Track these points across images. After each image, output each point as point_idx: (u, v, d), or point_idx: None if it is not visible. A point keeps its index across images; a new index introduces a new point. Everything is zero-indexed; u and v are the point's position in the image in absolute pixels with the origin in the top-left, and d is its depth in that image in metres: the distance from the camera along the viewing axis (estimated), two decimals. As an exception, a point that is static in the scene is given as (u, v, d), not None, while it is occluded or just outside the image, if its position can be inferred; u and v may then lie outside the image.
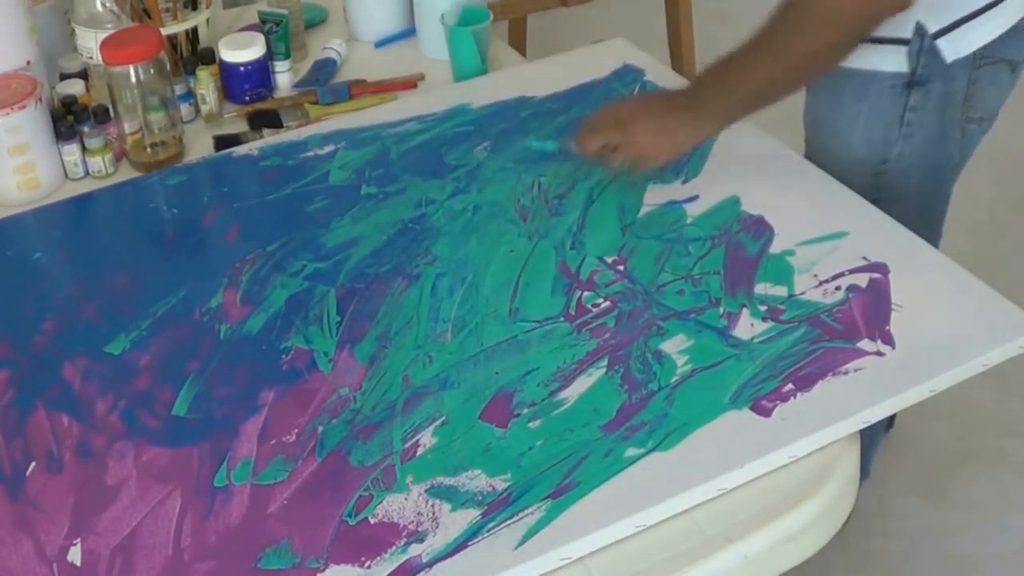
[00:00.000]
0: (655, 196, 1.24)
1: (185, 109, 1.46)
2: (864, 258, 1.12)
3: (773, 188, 1.23)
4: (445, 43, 1.52)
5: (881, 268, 1.10)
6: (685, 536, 0.88)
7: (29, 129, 1.31)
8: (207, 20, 1.54)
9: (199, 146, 1.43)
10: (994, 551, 1.73)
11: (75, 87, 1.45)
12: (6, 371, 1.05)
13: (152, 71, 1.34)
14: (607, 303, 1.09)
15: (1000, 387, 1.96)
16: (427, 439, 0.95)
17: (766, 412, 0.95)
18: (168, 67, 1.37)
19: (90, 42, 1.44)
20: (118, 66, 1.32)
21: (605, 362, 1.02)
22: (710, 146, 1.31)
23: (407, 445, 0.95)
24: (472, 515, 0.88)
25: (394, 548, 0.86)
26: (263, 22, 1.55)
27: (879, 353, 1.01)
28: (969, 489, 1.83)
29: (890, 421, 1.81)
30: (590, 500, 0.89)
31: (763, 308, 1.06)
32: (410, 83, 1.54)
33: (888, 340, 1.02)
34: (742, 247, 1.15)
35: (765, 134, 1.32)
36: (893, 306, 1.06)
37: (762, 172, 1.27)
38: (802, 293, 1.08)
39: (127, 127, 1.37)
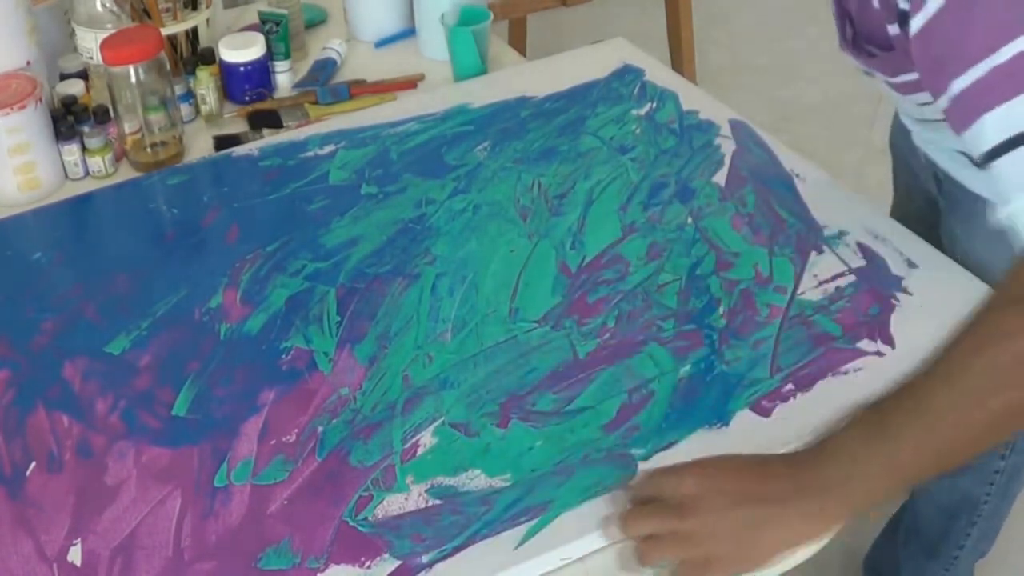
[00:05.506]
0: (655, 196, 1.24)
1: (185, 109, 1.46)
2: (864, 258, 1.12)
3: (773, 188, 1.23)
4: (445, 43, 1.52)
5: (881, 268, 1.10)
6: (685, 536, 0.88)
7: (29, 129, 1.31)
8: (207, 20, 1.54)
9: (199, 146, 1.43)
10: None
11: (75, 87, 1.45)
12: (6, 371, 1.05)
13: (152, 71, 1.34)
14: (607, 303, 1.09)
15: None
16: (427, 439, 0.95)
17: (766, 412, 0.96)
18: (168, 67, 1.37)
19: (90, 42, 1.44)
20: (118, 66, 1.32)
21: (605, 362, 1.02)
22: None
23: (407, 445, 0.95)
24: (472, 515, 0.88)
25: (394, 548, 0.86)
26: (263, 22, 1.55)
27: (879, 353, 1.01)
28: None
29: None
30: (591, 500, 0.88)
31: (764, 307, 1.06)
32: (410, 83, 1.54)
33: (888, 340, 1.02)
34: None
35: (765, 134, 1.32)
36: (893, 305, 1.06)
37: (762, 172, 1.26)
38: (802, 293, 1.08)
39: (127, 127, 1.37)
